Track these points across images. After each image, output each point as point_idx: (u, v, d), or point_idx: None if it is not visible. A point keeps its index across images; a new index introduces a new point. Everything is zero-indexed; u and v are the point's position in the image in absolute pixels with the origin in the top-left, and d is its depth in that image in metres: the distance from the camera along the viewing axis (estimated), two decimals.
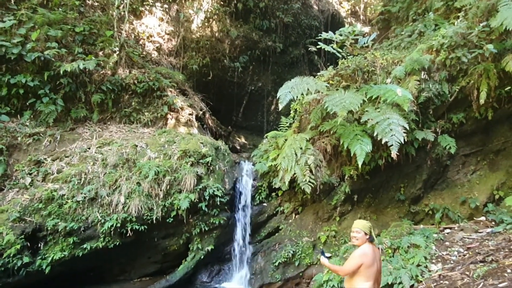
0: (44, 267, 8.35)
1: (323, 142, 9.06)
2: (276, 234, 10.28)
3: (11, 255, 7.91)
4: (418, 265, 7.36)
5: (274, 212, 10.37)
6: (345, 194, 9.53)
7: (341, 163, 9.40)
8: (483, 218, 9.22)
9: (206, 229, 9.71)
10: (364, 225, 4.60)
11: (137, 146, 9.72)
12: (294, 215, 10.24)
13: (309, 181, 8.56)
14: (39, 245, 8.56)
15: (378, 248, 4.88)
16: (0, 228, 8.03)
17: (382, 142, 7.88)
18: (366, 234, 4.57)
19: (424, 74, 8.82)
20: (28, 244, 8.33)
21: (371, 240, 4.55)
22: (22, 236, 8.21)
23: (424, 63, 8.71)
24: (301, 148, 8.84)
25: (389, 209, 9.89)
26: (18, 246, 7.99)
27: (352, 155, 8.22)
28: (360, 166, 8.13)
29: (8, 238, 7.93)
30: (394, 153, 7.78)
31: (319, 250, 9.50)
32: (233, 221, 10.26)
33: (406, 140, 7.83)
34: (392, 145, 7.71)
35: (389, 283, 6.96)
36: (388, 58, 9.44)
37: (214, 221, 9.72)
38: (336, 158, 9.42)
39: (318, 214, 10.01)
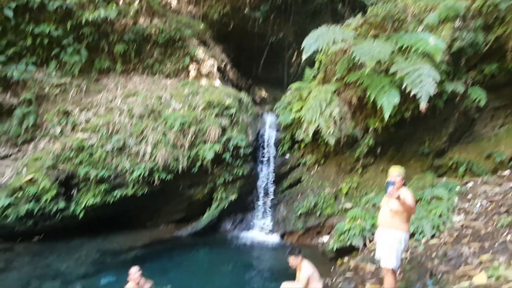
0: (78, 212, 8.82)
1: (349, 94, 8.92)
2: (298, 185, 10.47)
3: (48, 201, 8.36)
4: (440, 216, 7.45)
5: (297, 163, 10.49)
6: (368, 146, 9.52)
7: (366, 115, 9.30)
8: (507, 172, 9.15)
9: (230, 179, 9.95)
10: (399, 170, 4.69)
11: (161, 97, 9.77)
12: (316, 166, 10.35)
13: (333, 133, 8.55)
14: (73, 192, 8.99)
15: None
16: (35, 175, 8.42)
17: (411, 94, 7.70)
18: (402, 178, 4.66)
19: (458, 22, 8.40)
20: (62, 190, 8.76)
21: (404, 185, 4.61)
22: (57, 183, 8.61)
23: (459, 10, 8.26)
24: (325, 100, 8.75)
25: (412, 162, 9.87)
26: (54, 192, 8.41)
27: (378, 107, 8.11)
28: (386, 118, 8.04)
29: (43, 185, 8.33)
30: (423, 106, 7.63)
31: (340, 201, 9.71)
32: (256, 172, 10.46)
33: (435, 92, 7.64)
34: (421, 97, 7.54)
35: (410, 232, 7.11)
36: (421, 5, 8.97)
37: (237, 172, 9.93)
38: (361, 110, 9.31)
39: (340, 166, 10.09)
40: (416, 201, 8.35)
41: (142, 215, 10.28)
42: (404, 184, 4.67)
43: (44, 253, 8.22)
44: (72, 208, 8.79)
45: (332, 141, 8.58)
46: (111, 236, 9.50)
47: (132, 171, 8.94)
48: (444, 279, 4.42)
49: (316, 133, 9.11)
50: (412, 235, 7.12)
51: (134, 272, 6.38)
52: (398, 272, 5.76)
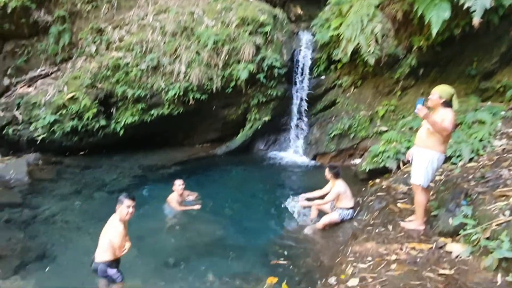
0: (118, 130, 9.23)
1: (393, 8, 8.21)
2: (333, 107, 10.28)
3: (89, 118, 8.74)
4: (481, 140, 7.17)
5: (332, 85, 10.18)
6: (410, 67, 8.98)
7: (411, 32, 8.62)
8: None
9: (264, 100, 9.88)
10: (442, 89, 4.38)
11: (193, 13, 9.42)
12: (352, 88, 10.01)
13: (374, 52, 8.08)
14: (112, 110, 9.31)
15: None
16: (76, 93, 8.71)
17: (463, 8, 6.97)
18: (441, 98, 4.38)
19: None
20: (102, 109, 9.08)
21: (446, 105, 4.35)
22: (96, 101, 8.91)
23: None
24: (367, 15, 8.12)
25: (456, 84, 9.27)
26: (94, 110, 8.75)
27: (425, 23, 7.45)
28: (433, 35, 7.42)
29: (84, 103, 8.65)
30: (476, 21, 6.91)
31: (376, 124, 9.51)
32: (290, 93, 10.28)
33: (491, 5, 6.87)
34: (475, 11, 6.81)
35: (447, 155, 6.94)
36: None
37: (271, 93, 9.80)
38: (405, 27, 8.62)
39: (378, 88, 9.70)
40: (457, 125, 8.05)
41: (178, 134, 10.62)
42: (449, 106, 4.40)
43: (90, 167, 8.83)
44: (112, 126, 9.19)
45: (371, 61, 8.14)
46: (150, 153, 9.99)
47: (167, 91, 9.03)
48: (479, 199, 4.37)
49: (355, 52, 8.64)
50: (448, 158, 6.97)
51: (179, 184, 6.80)
52: (431, 193, 5.78)
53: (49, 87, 8.86)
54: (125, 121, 9.14)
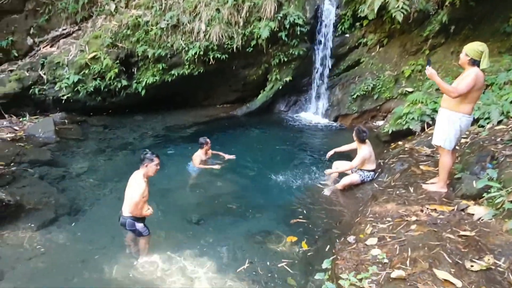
0: (139, 90, 9.29)
1: None
2: (356, 67, 9.97)
3: (111, 78, 8.81)
4: None
5: (356, 44, 9.80)
6: (440, 24, 8.51)
7: None
8: None
9: (285, 60, 9.66)
10: (470, 46, 4.13)
11: None
12: (378, 47, 9.63)
13: (402, 8, 7.66)
14: (133, 70, 9.34)
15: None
16: (98, 53, 8.73)
17: None
18: (467, 55, 4.15)
19: None
20: (123, 69, 9.11)
21: (473, 64, 4.12)
22: (117, 61, 8.93)
23: None
24: None
25: (489, 43, 8.74)
26: (116, 70, 8.79)
27: None
28: None
29: (106, 62, 8.69)
30: None
31: (401, 85, 9.22)
32: (312, 52, 9.99)
33: None
34: None
35: (475, 117, 6.71)
36: None
37: (293, 52, 9.55)
38: None
39: (405, 46, 9.29)
40: (487, 86, 7.72)
41: (199, 95, 10.62)
42: (477, 65, 4.15)
43: (114, 127, 9.04)
44: (134, 86, 9.26)
45: (400, 17, 7.74)
46: (171, 114, 10.10)
47: (188, 50, 8.94)
48: (506, 162, 4.26)
49: (382, 8, 8.20)
50: (476, 121, 6.76)
51: (205, 141, 6.91)
52: (456, 155, 5.65)
53: (71, 46, 8.91)
54: (146, 81, 9.18)
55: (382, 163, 6.48)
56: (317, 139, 9.12)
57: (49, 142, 7.61)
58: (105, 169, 7.08)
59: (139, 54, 8.96)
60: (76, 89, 8.66)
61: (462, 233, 3.38)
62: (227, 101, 10.83)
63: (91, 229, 5.16)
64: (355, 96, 9.38)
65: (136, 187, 4.34)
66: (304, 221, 5.17)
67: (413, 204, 4.31)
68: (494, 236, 3.24)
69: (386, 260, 3.18)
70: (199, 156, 6.97)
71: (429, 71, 4.24)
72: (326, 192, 6.03)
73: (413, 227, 3.67)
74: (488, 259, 2.88)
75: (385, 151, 7.41)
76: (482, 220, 3.65)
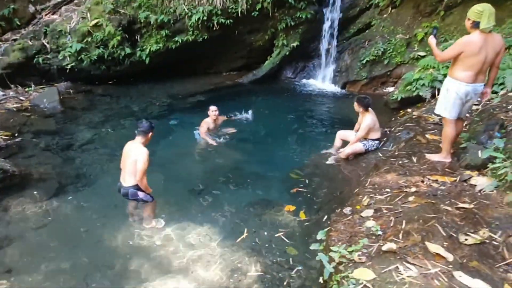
0: (144, 57, 9.15)
1: None
2: (367, 30, 9.56)
3: (115, 46, 8.67)
4: None
5: (368, 5, 9.34)
6: None
7: None
8: None
9: (292, 24, 9.31)
10: (472, 9, 3.84)
11: None
12: (390, 9, 9.16)
13: None
14: (136, 38, 9.16)
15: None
16: (100, 20, 8.56)
17: None
18: (469, 19, 3.89)
19: None
20: (126, 36, 8.94)
21: (475, 27, 3.84)
22: (120, 28, 8.75)
23: None
24: None
25: (509, 2, 8.25)
26: (119, 38, 8.64)
27: None
28: None
29: (108, 30, 8.52)
30: None
31: (413, 49, 8.83)
32: (320, 15, 9.58)
33: None
34: None
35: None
36: None
37: (300, 16, 9.18)
38: None
39: (418, 7, 8.81)
40: (506, 48, 7.31)
41: (204, 62, 10.42)
42: (475, 25, 3.86)
43: (119, 96, 9.00)
44: (138, 54, 9.12)
45: None
46: (177, 82, 9.97)
47: (191, 15, 8.68)
48: None
49: None
50: None
51: (212, 109, 6.85)
52: (464, 123, 5.45)
53: (73, 13, 8.74)
54: (150, 48, 9.02)
55: (388, 132, 6.31)
56: (324, 107, 8.94)
57: (54, 112, 7.66)
58: (110, 139, 7.11)
59: (142, 21, 8.75)
60: (79, 57, 8.57)
61: (460, 205, 3.28)
62: (233, 68, 10.61)
63: (95, 199, 5.24)
64: (364, 62, 9.05)
65: (140, 156, 4.35)
66: (304, 190, 5.14)
67: (414, 175, 4.20)
68: (493, 209, 3.14)
69: (380, 232, 3.13)
70: (206, 123, 6.92)
71: (431, 39, 4.23)
72: (330, 161, 5.95)
73: (411, 198, 3.58)
74: (484, 233, 2.79)
75: (393, 119, 7.21)
76: (483, 191, 3.53)
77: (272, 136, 7.41)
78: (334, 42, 9.72)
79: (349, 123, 6.69)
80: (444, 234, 2.85)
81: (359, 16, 9.57)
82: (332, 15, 9.50)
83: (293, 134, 7.48)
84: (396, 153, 5.09)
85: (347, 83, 9.54)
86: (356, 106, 5.79)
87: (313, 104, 9.07)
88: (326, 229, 3.50)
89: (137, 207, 4.84)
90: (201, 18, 8.62)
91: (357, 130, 5.95)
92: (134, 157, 4.38)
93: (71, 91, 8.55)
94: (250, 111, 7.67)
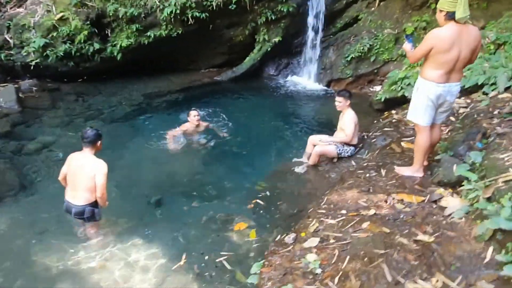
0: (115, 53, 8.60)
1: None
2: (354, 25, 8.92)
3: (82, 41, 8.12)
4: None
5: None
6: None
7: None
8: None
9: (273, 18, 8.69)
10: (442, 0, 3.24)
11: None
12: (378, 2, 8.52)
13: None
14: (107, 32, 8.61)
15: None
16: (65, 13, 8.02)
17: None
18: (441, 10, 3.28)
19: None
20: (96, 30, 8.39)
21: (449, 18, 3.23)
22: (88, 22, 8.19)
23: None
24: None
25: None
26: (86, 32, 8.09)
27: None
28: None
29: (75, 24, 7.98)
30: None
31: (402, 45, 8.16)
32: (304, 9, 8.92)
33: None
34: None
35: (479, 83, 5.79)
36: None
37: (282, 9, 8.56)
38: None
39: (408, 0, 8.15)
40: (499, 45, 6.69)
41: (183, 59, 9.84)
42: (450, 16, 3.24)
43: (88, 94, 8.46)
44: (109, 50, 8.56)
45: None
46: (153, 79, 9.41)
47: (163, 8, 8.10)
48: (495, 144, 3.47)
49: None
50: (480, 87, 5.85)
51: (194, 114, 6.31)
52: (447, 130, 4.86)
53: (38, 6, 8.20)
54: (121, 44, 8.46)
55: (366, 137, 5.73)
56: (306, 108, 8.35)
57: (10, 112, 7.13)
58: (69, 143, 6.50)
59: (111, 14, 8.19)
60: (45, 53, 8.03)
61: (419, 237, 2.71)
62: (214, 65, 10.02)
63: (36, 211, 4.72)
64: (349, 59, 8.41)
65: (99, 170, 3.86)
66: (263, 204, 4.57)
67: (378, 192, 3.63)
68: (457, 244, 2.56)
69: (318, 271, 2.58)
70: (184, 127, 6.40)
71: (405, 46, 3.69)
72: (298, 169, 5.37)
73: (365, 225, 3.01)
74: (437, 280, 2.22)
75: (375, 121, 6.61)
76: (451, 218, 2.96)
77: (246, 141, 6.77)
78: (319, 37, 9.08)
79: (332, 126, 6.13)
80: (389, 280, 2.29)
81: (346, 10, 8.92)
82: (316, 9, 8.85)
83: (269, 139, 6.89)
84: (365, 164, 4.52)
85: (331, 81, 8.91)
86: (341, 101, 5.07)
87: (294, 105, 8.48)
88: (261, 261, 2.95)
89: (83, 223, 4.32)
90: (173, 12, 8.04)
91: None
92: (90, 171, 3.85)
93: (35, 89, 8.02)
94: (225, 130, 6.97)
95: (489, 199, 2.72)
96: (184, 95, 8.79)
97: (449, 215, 3.04)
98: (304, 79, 9.41)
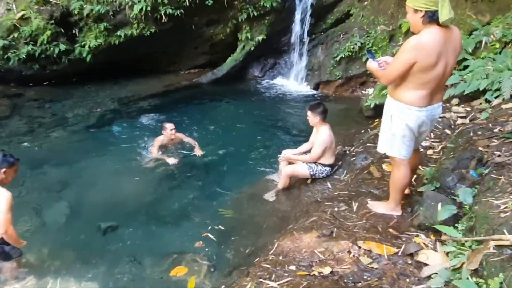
0: (84, 55, 7.94)
1: None
2: (346, 21, 8.10)
3: (46, 42, 7.49)
4: None
5: None
6: None
7: None
8: None
9: (256, 14, 7.93)
10: None
11: None
12: None
13: None
14: (74, 32, 7.93)
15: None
16: (27, 12, 7.37)
17: None
18: (416, 11, 2.42)
19: None
20: (62, 30, 7.72)
21: (430, 20, 2.41)
22: (52, 21, 7.54)
23: None
24: None
25: None
26: (49, 33, 7.44)
27: None
28: None
29: (37, 23, 7.35)
30: None
31: (397, 43, 7.34)
32: (291, 4, 8.13)
33: None
34: None
35: (480, 89, 4.96)
36: None
37: (265, 4, 7.80)
38: None
39: None
40: (506, 44, 5.84)
41: (163, 60, 9.15)
42: (430, 18, 2.42)
43: (55, 100, 7.83)
44: (77, 51, 7.90)
45: None
46: (130, 83, 8.77)
47: (132, 5, 7.40)
48: (491, 179, 2.68)
49: None
50: (482, 93, 5.03)
51: (170, 128, 5.61)
52: (439, 147, 4.08)
53: None
54: (89, 44, 7.78)
55: (347, 152, 4.96)
56: (291, 114, 7.53)
57: None
58: (25, 156, 5.91)
59: (76, 12, 7.51)
60: (6, 56, 7.41)
61: None
62: (196, 65, 9.30)
63: None
64: (338, 59, 7.60)
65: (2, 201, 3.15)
66: (215, 240, 3.84)
67: (343, 237, 2.88)
68: None
69: None
70: (159, 141, 5.70)
71: (370, 64, 2.77)
72: (266, 196, 4.58)
73: None
74: None
75: (363, 131, 5.84)
76: (428, 285, 2.20)
77: (222, 155, 5.93)
78: (306, 35, 8.27)
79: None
80: None
81: (337, 4, 8.12)
82: (304, 3, 8.03)
83: (247, 152, 6.06)
84: (336, 193, 3.76)
85: (320, 84, 8.11)
86: (310, 116, 4.35)
87: (279, 110, 7.68)
88: None
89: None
90: (144, 9, 7.34)
91: (309, 151, 4.55)
92: None
93: None
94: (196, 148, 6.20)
95: (475, 272, 1.96)
96: (161, 100, 8.08)
97: (428, 277, 2.30)
98: (291, 81, 8.63)
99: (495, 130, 3.61)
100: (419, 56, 2.43)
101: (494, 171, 2.79)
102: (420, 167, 3.56)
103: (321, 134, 4.31)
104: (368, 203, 3.25)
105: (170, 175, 5.44)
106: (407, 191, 3.25)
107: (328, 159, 4.44)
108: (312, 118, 4.37)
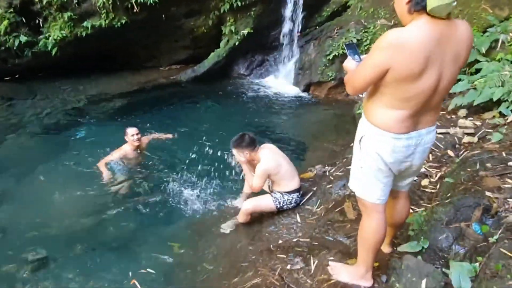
0: (49, 47, 7.16)
1: None
2: (343, 14, 7.14)
3: (3, 33, 6.75)
4: None
5: None
6: None
7: None
8: None
9: (240, 4, 7.02)
10: None
11: None
12: None
13: None
14: (38, 22, 7.14)
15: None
16: None
17: None
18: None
19: None
20: (23, 20, 6.94)
21: (419, 7, 1.53)
22: (11, 10, 6.76)
23: None
24: None
25: None
26: (6, 23, 6.67)
27: None
28: None
29: None
30: None
31: None
32: None
33: None
34: None
35: (494, 99, 4.01)
36: None
37: None
38: None
39: None
40: None
41: (140, 53, 8.32)
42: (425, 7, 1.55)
43: (17, 98, 7.13)
44: (41, 43, 7.12)
45: None
46: (104, 79, 8.03)
47: None
48: (498, 253, 1.80)
49: None
50: (496, 104, 4.10)
51: (131, 133, 4.74)
52: (437, 174, 3.18)
53: None
54: (54, 36, 6.99)
55: (327, 173, 4.07)
56: (276, 119, 6.60)
57: None
58: None
59: (37, 0, 6.71)
60: None
61: None
62: (177, 60, 8.44)
63: None
64: (331, 57, 6.64)
65: None
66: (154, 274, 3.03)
67: None
68: None
69: None
70: (122, 151, 4.84)
71: (347, 63, 1.88)
72: (224, 228, 3.72)
73: None
74: None
75: (352, 144, 4.88)
76: None
77: (190, 170, 5.10)
78: (297, 29, 7.34)
79: (305, 146, 4.50)
80: None
81: None
82: None
83: (219, 167, 5.18)
84: (295, 240, 2.89)
85: (310, 85, 7.17)
86: (236, 154, 3.56)
87: (264, 115, 6.73)
88: None
89: None
90: None
91: None
92: None
93: None
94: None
95: None
96: (134, 99, 7.31)
97: None
98: (280, 81, 7.70)
99: (510, 163, 2.69)
100: (397, 58, 1.55)
101: (503, 237, 1.88)
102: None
103: (260, 165, 3.45)
104: (329, 265, 2.36)
105: (124, 195, 4.62)
106: (387, 249, 2.37)
107: (289, 185, 3.53)
108: (241, 155, 3.55)
